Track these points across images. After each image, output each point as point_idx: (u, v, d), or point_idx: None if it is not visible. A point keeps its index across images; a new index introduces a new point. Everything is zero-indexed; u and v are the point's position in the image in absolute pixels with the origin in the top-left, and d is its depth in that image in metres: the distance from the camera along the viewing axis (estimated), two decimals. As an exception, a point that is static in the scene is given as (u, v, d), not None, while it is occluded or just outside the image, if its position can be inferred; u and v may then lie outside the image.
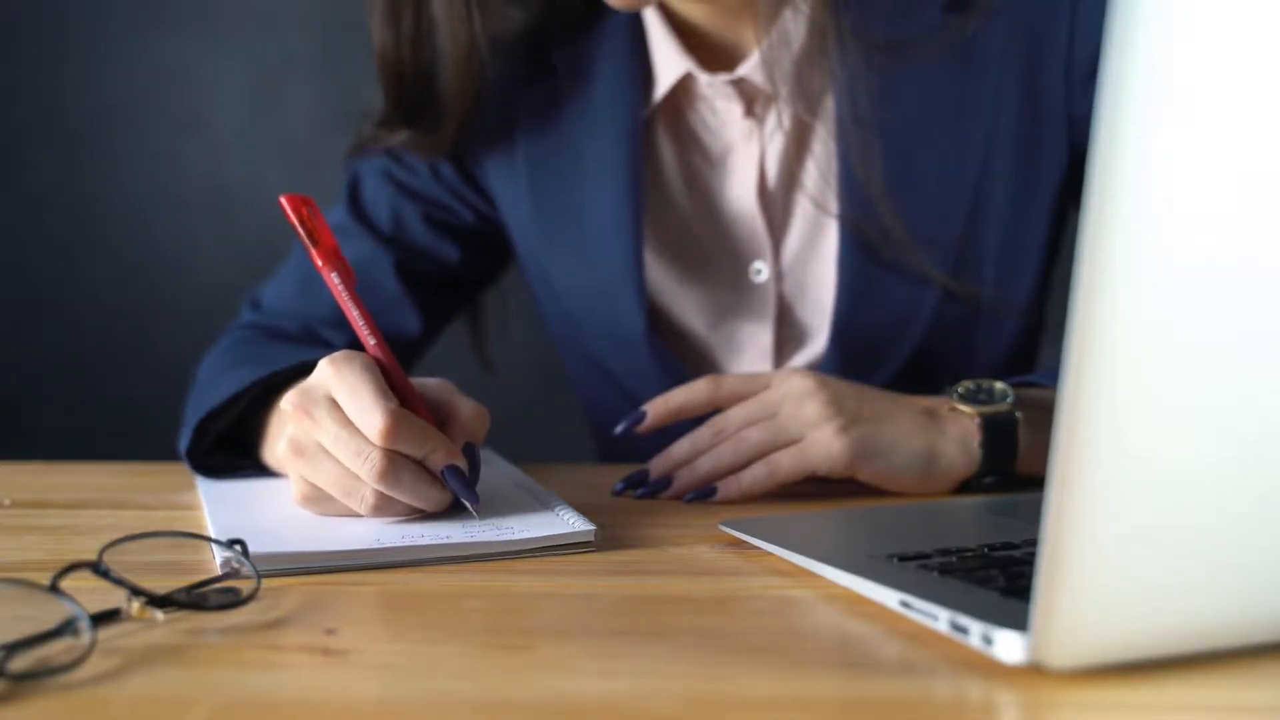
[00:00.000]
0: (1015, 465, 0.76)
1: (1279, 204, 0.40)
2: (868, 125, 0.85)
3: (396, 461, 0.64)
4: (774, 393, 0.77)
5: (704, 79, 0.90)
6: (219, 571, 0.57)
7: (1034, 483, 0.77)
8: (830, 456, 0.74)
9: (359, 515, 0.66)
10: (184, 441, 0.79)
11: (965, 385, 0.77)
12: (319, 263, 0.67)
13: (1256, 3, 0.39)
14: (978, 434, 0.75)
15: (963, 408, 0.76)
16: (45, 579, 0.48)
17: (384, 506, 0.65)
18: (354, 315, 0.67)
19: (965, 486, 0.77)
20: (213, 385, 0.82)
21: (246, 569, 0.56)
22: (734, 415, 0.77)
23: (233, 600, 0.53)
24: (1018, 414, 0.76)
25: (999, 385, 0.77)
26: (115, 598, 0.50)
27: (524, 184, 0.95)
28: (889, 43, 0.85)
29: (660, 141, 0.94)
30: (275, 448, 0.74)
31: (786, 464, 0.74)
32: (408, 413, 0.64)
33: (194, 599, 0.53)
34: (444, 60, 0.89)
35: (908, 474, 0.75)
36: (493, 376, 1.13)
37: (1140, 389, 0.40)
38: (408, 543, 0.61)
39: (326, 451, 0.65)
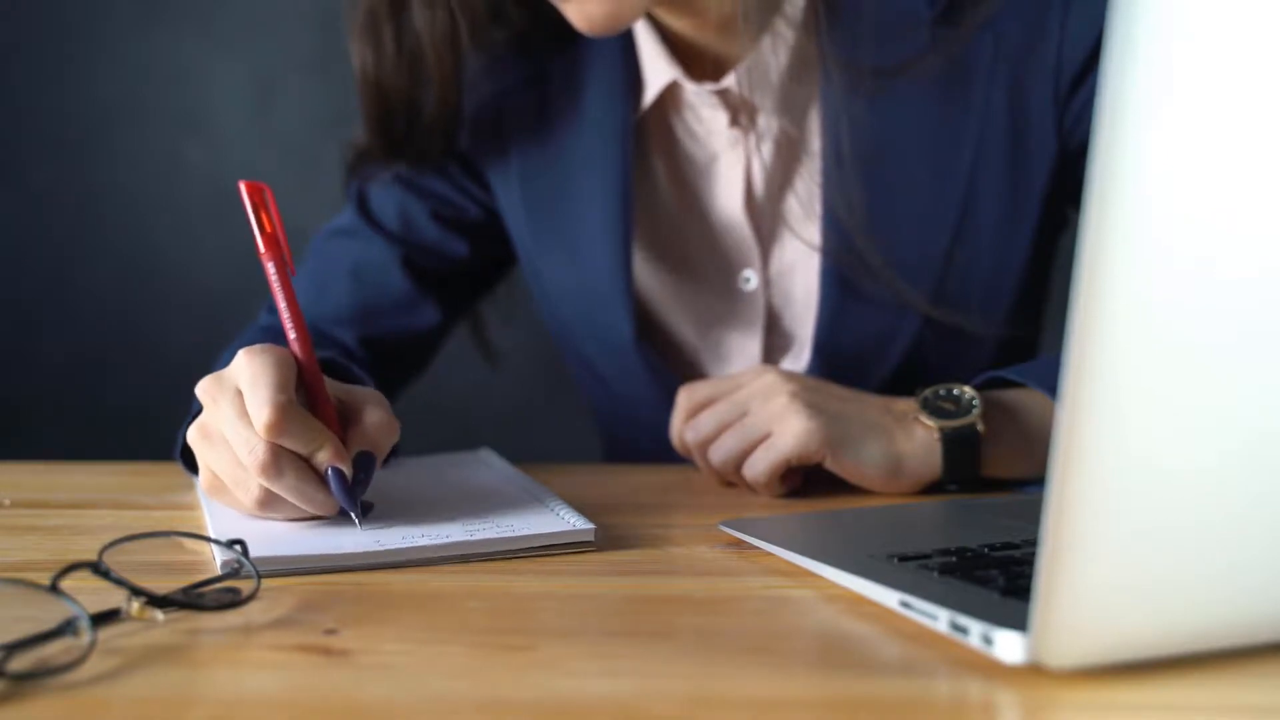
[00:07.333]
0: (978, 474, 0.77)
1: (1278, 203, 0.40)
2: (850, 160, 0.84)
3: (281, 456, 0.62)
4: (744, 392, 0.78)
5: (690, 87, 0.89)
6: (219, 571, 0.57)
7: (1000, 485, 0.77)
8: (797, 437, 0.74)
9: (250, 512, 0.65)
10: (180, 440, 0.79)
11: (933, 391, 0.77)
12: (260, 249, 0.67)
13: (1256, 2, 0.39)
14: (938, 446, 0.76)
15: (925, 420, 0.76)
16: (45, 579, 0.48)
17: (269, 503, 0.64)
18: (282, 307, 0.67)
19: (931, 488, 0.77)
20: None
21: (246, 569, 0.56)
22: (705, 421, 0.78)
23: (233, 600, 0.53)
24: (979, 427, 0.76)
25: (968, 393, 0.77)
26: (115, 598, 0.50)
27: (517, 187, 0.95)
28: (877, 71, 0.84)
29: (649, 147, 0.94)
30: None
31: (762, 466, 0.75)
32: (300, 410, 0.63)
33: (194, 599, 0.53)
34: (429, 78, 0.87)
35: (873, 470, 0.75)
36: (495, 377, 1.13)
37: (1140, 389, 0.40)
38: (408, 543, 0.61)
39: (226, 440, 0.64)
